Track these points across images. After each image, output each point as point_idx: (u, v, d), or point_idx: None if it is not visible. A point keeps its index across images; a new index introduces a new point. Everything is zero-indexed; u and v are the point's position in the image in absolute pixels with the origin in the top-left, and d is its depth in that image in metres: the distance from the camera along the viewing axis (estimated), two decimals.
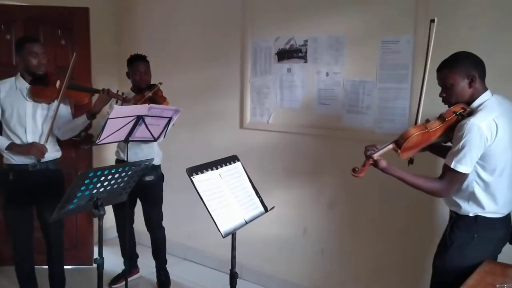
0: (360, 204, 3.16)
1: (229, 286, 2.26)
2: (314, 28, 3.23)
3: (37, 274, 3.20)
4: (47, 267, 3.22)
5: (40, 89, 2.94)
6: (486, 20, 2.59)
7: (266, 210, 2.33)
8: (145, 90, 3.34)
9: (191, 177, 2.03)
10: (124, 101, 3.12)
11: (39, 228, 3.13)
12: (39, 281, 3.22)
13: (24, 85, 2.94)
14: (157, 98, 3.29)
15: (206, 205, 2.03)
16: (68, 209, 2.29)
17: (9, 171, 2.96)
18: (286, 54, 3.40)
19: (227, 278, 2.27)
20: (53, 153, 3.07)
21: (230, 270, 2.24)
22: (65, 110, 3.10)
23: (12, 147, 2.89)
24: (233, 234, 2.15)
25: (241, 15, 3.59)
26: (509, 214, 2.13)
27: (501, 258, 2.16)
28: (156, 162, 3.46)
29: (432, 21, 2.21)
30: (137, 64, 3.38)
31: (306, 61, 3.30)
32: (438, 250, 2.21)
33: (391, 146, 2.08)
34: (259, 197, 2.34)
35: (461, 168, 1.97)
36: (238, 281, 2.29)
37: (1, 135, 3.00)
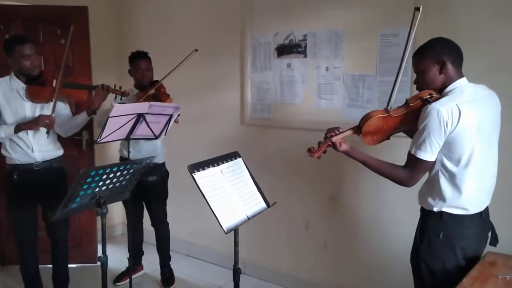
0: (361, 198, 3.17)
1: (232, 282, 2.26)
2: (313, 22, 3.22)
3: (41, 273, 3.21)
4: (50, 266, 3.23)
5: (37, 90, 2.92)
6: (485, 10, 2.58)
7: (268, 205, 2.33)
8: (147, 87, 3.33)
9: (193, 174, 2.04)
10: (123, 95, 3.10)
11: (42, 227, 3.14)
12: (43, 280, 3.23)
13: (20, 85, 2.92)
14: (159, 95, 3.27)
15: (208, 201, 2.04)
16: (71, 208, 2.30)
17: (13, 171, 2.97)
18: (285, 49, 3.39)
19: (230, 273, 2.28)
20: (55, 151, 3.09)
21: (233, 265, 2.24)
22: (64, 108, 3.09)
23: (21, 126, 2.86)
24: (235, 230, 2.15)
25: (240, 11, 3.59)
26: (484, 212, 2.04)
27: (502, 249, 2.16)
28: (159, 160, 3.46)
29: (417, 9, 2.12)
30: (138, 61, 3.36)
31: (305, 56, 3.29)
32: (412, 249, 2.14)
33: (352, 130, 2.09)
34: (260, 192, 2.35)
35: (421, 154, 1.93)
36: (242, 276, 2.30)
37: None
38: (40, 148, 2.99)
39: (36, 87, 2.92)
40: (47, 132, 2.91)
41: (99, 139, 2.82)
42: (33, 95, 2.92)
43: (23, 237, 3.06)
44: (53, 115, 2.90)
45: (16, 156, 2.95)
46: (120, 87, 3.11)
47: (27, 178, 2.97)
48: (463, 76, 2.01)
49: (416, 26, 2.12)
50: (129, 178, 2.51)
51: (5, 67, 3.61)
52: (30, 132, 2.94)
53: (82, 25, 3.69)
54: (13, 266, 3.63)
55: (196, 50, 3.19)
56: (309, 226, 3.44)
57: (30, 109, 2.95)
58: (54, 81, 2.93)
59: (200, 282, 3.72)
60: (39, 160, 2.98)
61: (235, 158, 2.33)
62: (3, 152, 2.99)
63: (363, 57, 3.05)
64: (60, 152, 3.14)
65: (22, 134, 2.92)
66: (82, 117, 3.06)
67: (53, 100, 2.91)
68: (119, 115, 2.74)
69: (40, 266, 3.20)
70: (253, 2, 3.51)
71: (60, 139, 3.18)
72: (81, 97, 3.08)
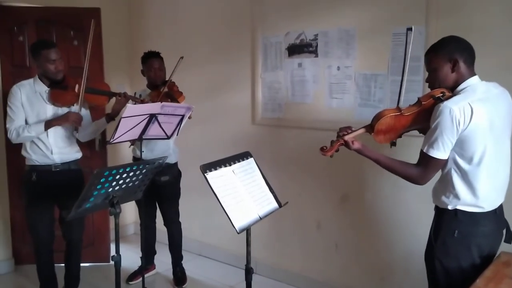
0: (373, 198, 3.15)
1: (244, 282, 2.27)
2: (324, 22, 3.21)
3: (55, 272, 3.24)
4: (63, 265, 3.26)
5: (60, 93, 2.98)
6: (499, 9, 2.55)
7: (280, 205, 2.33)
8: (160, 87, 3.35)
9: (205, 174, 2.05)
10: (142, 103, 3.15)
11: (57, 226, 3.17)
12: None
13: (43, 88, 2.99)
14: (172, 93, 3.30)
15: (220, 201, 2.05)
16: (85, 207, 2.32)
17: (32, 172, 3.01)
18: (296, 49, 3.39)
19: (242, 273, 2.29)
20: (74, 154, 3.14)
21: (245, 265, 2.25)
22: (85, 113, 3.13)
23: (51, 123, 2.93)
24: (247, 229, 2.16)
25: (250, 10, 3.59)
26: (498, 210, 2.03)
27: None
28: (171, 160, 3.48)
29: (409, 29, 2.12)
30: (151, 61, 3.41)
31: (317, 56, 3.29)
32: (426, 247, 2.13)
33: (364, 128, 2.10)
34: (272, 192, 2.35)
35: (434, 152, 1.93)
36: (253, 276, 2.30)
37: None
38: (59, 150, 3.03)
39: (59, 91, 2.98)
40: (76, 129, 2.99)
41: (112, 140, 2.84)
42: (56, 99, 2.97)
43: (39, 237, 3.09)
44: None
45: (35, 157, 3.00)
46: (140, 95, 3.17)
47: (45, 179, 3.01)
48: (475, 75, 2.01)
49: (411, 45, 2.12)
50: (142, 178, 2.52)
51: (20, 69, 3.67)
52: (50, 134, 2.99)
53: (94, 26, 3.72)
54: (27, 265, 3.67)
55: (182, 57, 3.18)
56: (321, 226, 3.43)
57: (51, 112, 3.01)
58: (77, 86, 2.99)
59: (212, 281, 3.73)
60: (58, 162, 3.03)
61: (247, 158, 2.34)
62: (23, 153, 3.04)
63: (375, 56, 3.03)
64: (78, 155, 3.19)
65: (42, 135, 2.96)
66: (101, 123, 3.13)
67: (75, 105, 2.99)
68: (132, 116, 2.76)
69: (54, 265, 3.23)
70: (263, 2, 3.51)
71: (78, 141, 3.22)
72: (102, 103, 3.15)
